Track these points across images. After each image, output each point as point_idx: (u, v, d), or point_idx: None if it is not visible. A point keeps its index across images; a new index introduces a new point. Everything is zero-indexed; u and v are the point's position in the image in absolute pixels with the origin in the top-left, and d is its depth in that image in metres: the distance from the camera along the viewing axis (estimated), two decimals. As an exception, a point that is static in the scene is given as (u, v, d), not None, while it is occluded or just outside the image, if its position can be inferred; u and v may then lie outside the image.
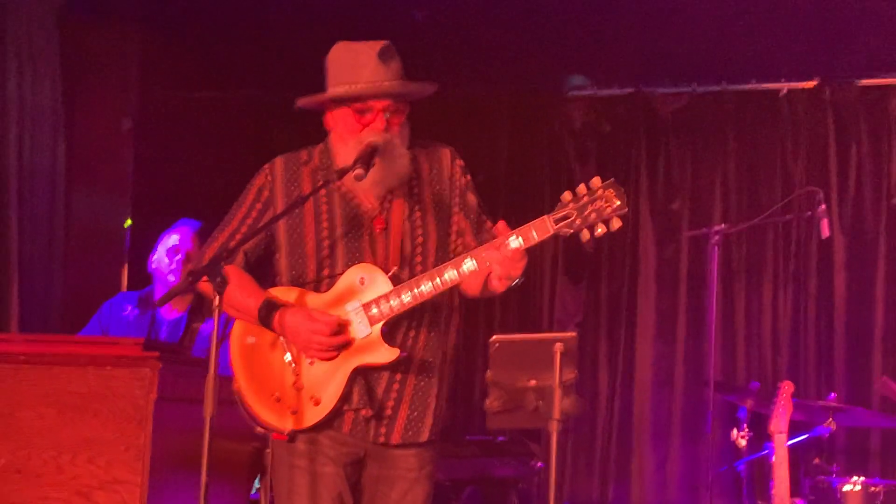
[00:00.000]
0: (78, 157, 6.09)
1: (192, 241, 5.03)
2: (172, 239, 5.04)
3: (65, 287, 5.95)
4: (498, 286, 3.24)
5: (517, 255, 3.15)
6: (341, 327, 3.24)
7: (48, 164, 5.88)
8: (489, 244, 3.20)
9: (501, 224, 3.21)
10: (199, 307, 4.97)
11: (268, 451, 3.67)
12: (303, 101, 3.42)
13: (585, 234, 3.13)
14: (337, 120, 3.37)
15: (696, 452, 6.86)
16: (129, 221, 6.51)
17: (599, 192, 3.12)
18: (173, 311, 5.04)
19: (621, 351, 7.25)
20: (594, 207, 3.11)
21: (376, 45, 3.31)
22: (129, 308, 5.07)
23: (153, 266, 5.07)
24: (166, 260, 5.00)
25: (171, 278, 4.98)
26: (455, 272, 3.22)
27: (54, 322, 5.85)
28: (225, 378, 3.23)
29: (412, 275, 3.29)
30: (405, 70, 3.36)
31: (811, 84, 7.06)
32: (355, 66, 3.28)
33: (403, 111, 3.36)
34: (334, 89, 3.32)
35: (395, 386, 3.32)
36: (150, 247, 5.15)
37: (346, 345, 3.24)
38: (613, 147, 7.46)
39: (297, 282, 3.36)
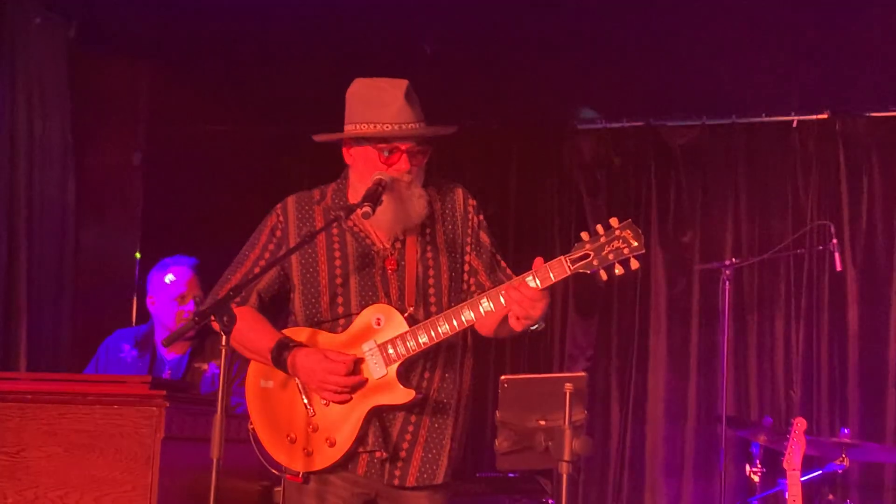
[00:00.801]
0: (88, 191, 6.08)
1: (188, 282, 4.85)
2: (168, 278, 4.86)
3: (74, 321, 5.92)
4: (516, 325, 3.20)
5: (536, 294, 3.11)
6: (357, 367, 3.21)
7: (58, 198, 5.86)
8: (507, 284, 3.17)
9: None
10: (201, 349, 4.82)
11: (277, 489, 3.63)
12: (322, 137, 3.38)
13: (603, 275, 3.10)
14: (358, 158, 3.32)
15: (709, 488, 6.79)
16: (138, 255, 6.50)
17: (617, 232, 3.10)
18: (173, 353, 4.87)
19: (633, 386, 7.20)
20: (612, 248, 3.09)
21: (400, 85, 3.28)
22: (127, 348, 4.90)
23: (151, 307, 4.91)
24: (166, 304, 4.83)
25: (176, 321, 4.79)
26: (472, 313, 3.19)
27: (64, 356, 5.81)
28: (233, 416, 3.20)
29: (426, 315, 3.26)
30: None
31: (822, 117, 7.05)
32: (380, 104, 3.25)
33: (426, 153, 3.33)
34: (359, 127, 3.27)
35: (410, 427, 3.28)
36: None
37: (362, 385, 3.21)
38: (623, 180, 7.44)
39: (312, 321, 3.32)
